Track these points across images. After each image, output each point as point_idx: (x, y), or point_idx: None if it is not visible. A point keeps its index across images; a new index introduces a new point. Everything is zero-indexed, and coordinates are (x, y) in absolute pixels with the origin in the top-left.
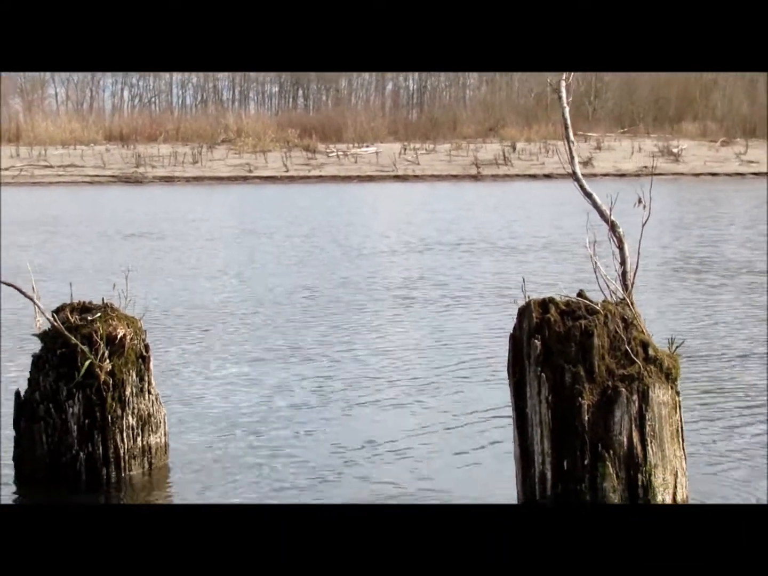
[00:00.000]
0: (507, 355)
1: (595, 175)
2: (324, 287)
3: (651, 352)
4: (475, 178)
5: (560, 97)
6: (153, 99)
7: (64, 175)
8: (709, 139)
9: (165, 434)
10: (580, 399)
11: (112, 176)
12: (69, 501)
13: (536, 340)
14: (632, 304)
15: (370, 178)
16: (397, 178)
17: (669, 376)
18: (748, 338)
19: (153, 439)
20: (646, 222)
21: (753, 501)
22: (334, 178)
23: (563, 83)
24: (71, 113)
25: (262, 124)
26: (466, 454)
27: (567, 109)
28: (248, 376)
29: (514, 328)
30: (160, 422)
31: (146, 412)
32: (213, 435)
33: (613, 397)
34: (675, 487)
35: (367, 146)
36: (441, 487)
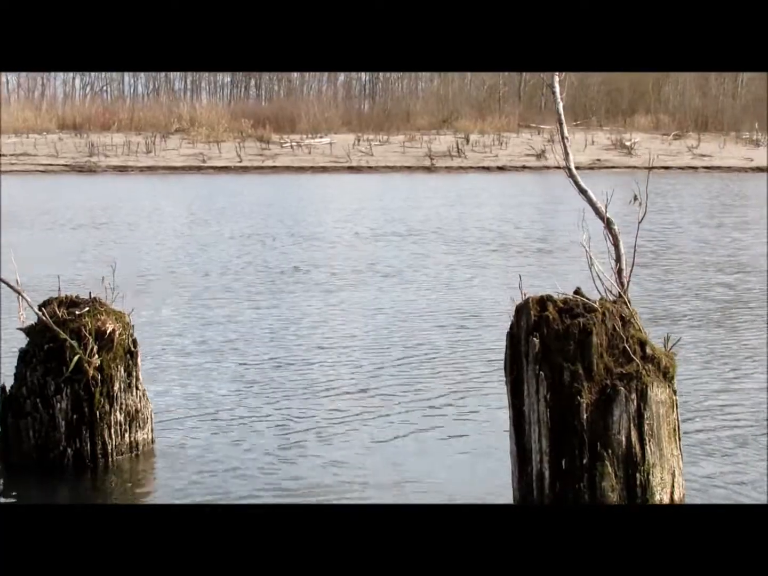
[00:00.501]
0: (504, 352)
1: (548, 167)
2: (265, 275)
3: (648, 350)
4: (429, 169)
5: (554, 92)
6: (105, 87)
7: (17, 164)
8: (661, 133)
9: (152, 430)
10: (578, 398)
11: (65, 165)
12: (70, 501)
13: (534, 338)
14: (629, 302)
15: (323, 169)
16: (351, 169)
17: (666, 375)
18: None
19: (140, 435)
20: (642, 219)
21: None
22: (288, 169)
23: (556, 78)
24: (23, 101)
25: (215, 114)
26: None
27: (561, 105)
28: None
29: (512, 325)
30: (147, 418)
31: (134, 408)
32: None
33: (612, 396)
34: (672, 486)
35: (321, 137)
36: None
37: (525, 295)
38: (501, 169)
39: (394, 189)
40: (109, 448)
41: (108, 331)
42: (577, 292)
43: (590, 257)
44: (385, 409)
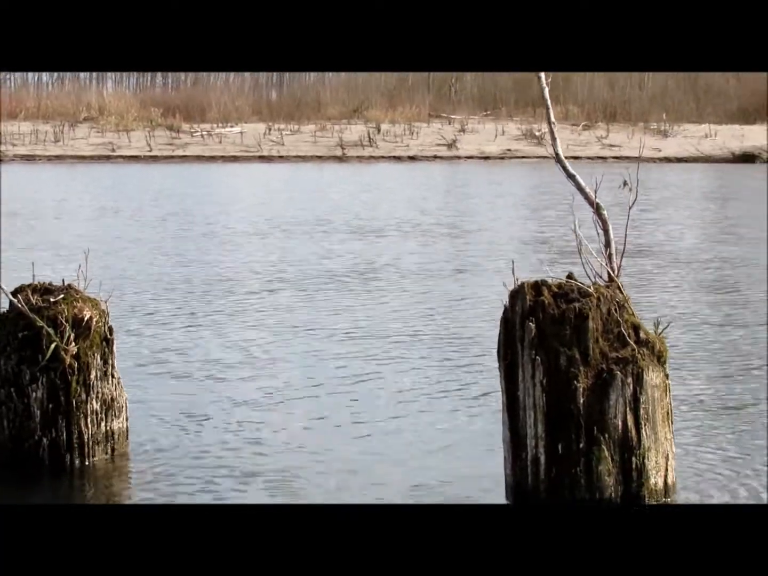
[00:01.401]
0: (498, 337)
1: (459, 157)
2: (177, 266)
3: (642, 334)
4: (340, 159)
5: (539, 78)
6: (8, 75)
7: None
8: (570, 123)
9: (126, 419)
10: (575, 382)
11: None
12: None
13: (531, 323)
14: (621, 286)
15: (234, 159)
16: (262, 158)
17: (660, 359)
18: None
19: (116, 424)
20: (632, 205)
21: None
22: (199, 158)
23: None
24: None
25: (124, 102)
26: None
27: (547, 90)
28: None
29: (506, 310)
30: (123, 406)
31: (110, 396)
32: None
33: (608, 381)
34: (666, 469)
35: (232, 126)
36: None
37: (517, 280)
38: (412, 158)
39: (304, 178)
40: (86, 437)
41: (85, 319)
42: (570, 276)
43: (580, 243)
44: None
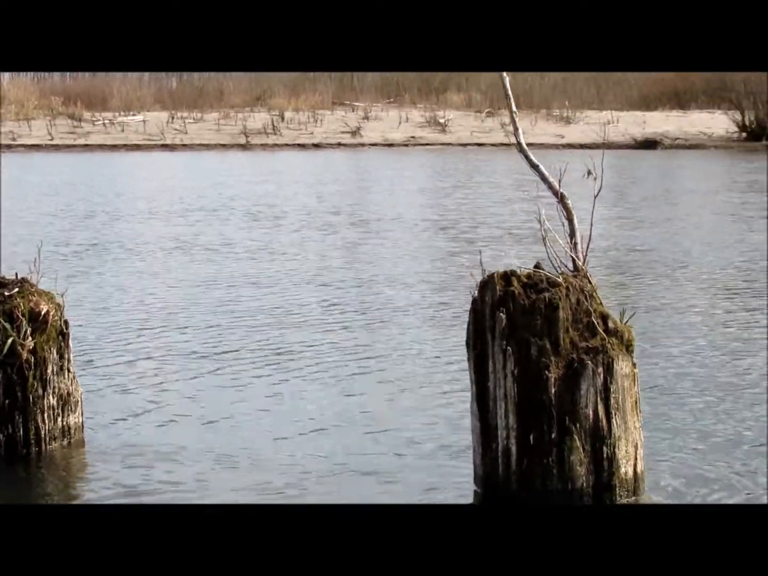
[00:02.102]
0: (466, 328)
1: (363, 144)
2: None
3: (611, 324)
4: (244, 147)
5: (503, 78)
6: None
7: None
8: (474, 110)
9: (82, 413)
10: (546, 372)
11: None
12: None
13: (501, 314)
14: (590, 276)
15: (137, 147)
16: (165, 147)
17: (629, 348)
18: None
19: (72, 419)
20: (597, 194)
21: None
22: (101, 147)
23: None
24: None
25: (24, 91)
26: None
27: (507, 79)
28: None
29: (475, 300)
30: (78, 401)
31: (66, 391)
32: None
33: (579, 370)
34: (635, 459)
35: (134, 115)
36: None
37: (485, 271)
38: (316, 146)
39: (207, 166)
40: (42, 433)
41: (42, 313)
42: (538, 266)
43: (545, 232)
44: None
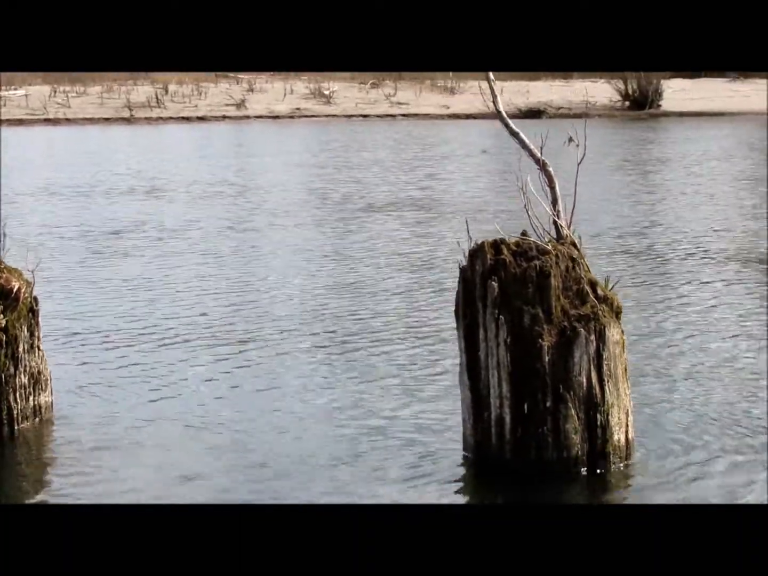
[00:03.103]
0: (455, 297)
1: (248, 117)
2: None
3: (600, 291)
4: (128, 121)
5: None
6: None
7: None
8: (359, 81)
9: (51, 392)
10: (540, 341)
11: None
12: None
13: (493, 282)
14: (576, 243)
15: (20, 122)
16: (48, 121)
17: (618, 315)
18: None
19: (42, 398)
20: (581, 161)
21: None
22: None
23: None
24: None
25: None
26: None
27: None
28: None
29: (464, 269)
30: (48, 379)
31: (36, 370)
32: None
33: (572, 338)
34: (627, 425)
35: (15, 89)
36: None
37: (473, 240)
38: (201, 119)
39: (89, 141)
40: (15, 412)
41: (14, 290)
42: (524, 234)
43: (527, 200)
44: None
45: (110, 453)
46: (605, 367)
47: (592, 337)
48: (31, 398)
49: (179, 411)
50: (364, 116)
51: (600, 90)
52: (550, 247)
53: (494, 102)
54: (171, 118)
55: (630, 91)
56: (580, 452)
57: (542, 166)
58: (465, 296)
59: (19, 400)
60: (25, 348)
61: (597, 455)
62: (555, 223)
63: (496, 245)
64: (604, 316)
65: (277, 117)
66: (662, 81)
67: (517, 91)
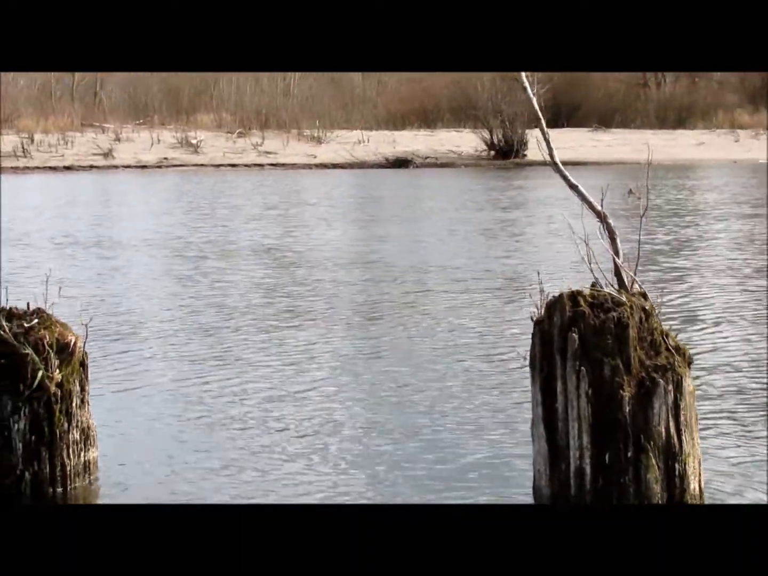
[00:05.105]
0: (531, 350)
1: (116, 166)
2: None
3: (671, 342)
4: None
5: (525, 89)
6: None
7: None
8: (225, 131)
9: (97, 447)
10: (621, 391)
11: None
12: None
13: (574, 334)
14: (647, 294)
15: None
16: None
17: (690, 365)
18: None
19: (91, 454)
20: (644, 213)
21: None
22: None
23: (524, 76)
24: None
25: None
26: None
27: (535, 100)
28: None
29: (540, 321)
30: (95, 435)
31: (86, 425)
32: None
33: (651, 389)
34: (699, 474)
35: None
36: None
37: (543, 291)
38: (68, 168)
39: None
40: (68, 469)
41: (70, 344)
42: (594, 286)
43: (589, 253)
44: None
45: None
46: (682, 417)
47: (670, 387)
48: (82, 454)
49: None
50: (233, 165)
51: (465, 140)
52: (624, 299)
53: (550, 154)
54: (37, 167)
55: (495, 141)
56: (660, 502)
57: (603, 219)
58: (542, 348)
59: (72, 456)
60: (77, 403)
61: None
62: (617, 274)
63: (573, 297)
64: (679, 366)
65: (144, 166)
66: (527, 131)
67: (384, 141)
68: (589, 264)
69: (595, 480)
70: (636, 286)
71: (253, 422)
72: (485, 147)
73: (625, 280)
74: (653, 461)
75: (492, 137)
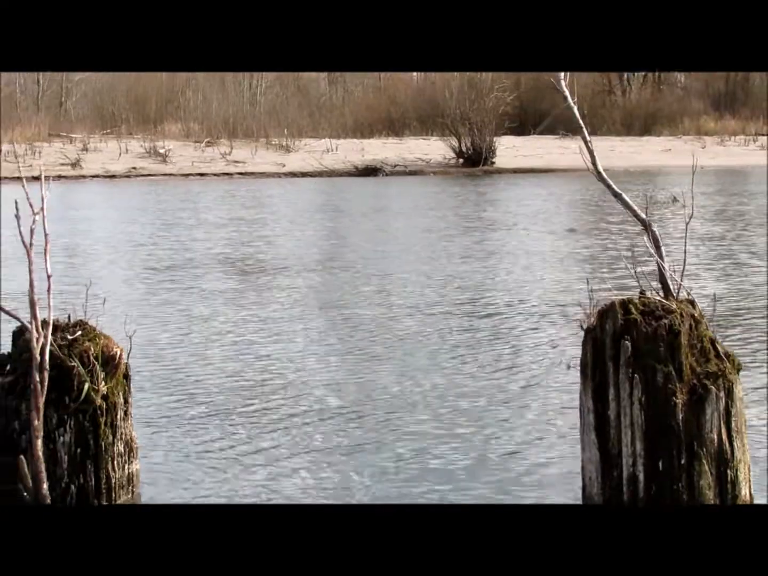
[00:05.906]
0: (582, 357)
1: (84, 176)
2: None
3: (720, 348)
4: None
5: (565, 98)
6: None
7: None
8: (193, 140)
9: (139, 460)
10: (674, 398)
11: None
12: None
13: (626, 341)
14: (695, 302)
15: None
16: None
17: (739, 372)
18: None
19: (134, 466)
20: (689, 220)
21: None
22: None
23: (563, 80)
24: None
25: None
26: None
27: (576, 108)
28: None
29: (592, 329)
30: (137, 447)
31: (129, 437)
32: None
33: (703, 396)
34: (749, 481)
35: None
36: None
37: (592, 299)
38: (37, 179)
39: None
40: (113, 481)
41: (116, 356)
42: (643, 293)
43: (633, 261)
44: None
45: None
46: (734, 424)
47: (722, 394)
48: (125, 467)
49: None
50: (201, 175)
51: (434, 147)
52: (674, 306)
53: (593, 163)
54: (6, 177)
55: (464, 149)
56: None
57: (647, 227)
58: (594, 356)
59: (116, 469)
60: (121, 415)
61: None
62: (663, 282)
63: (625, 305)
64: (730, 373)
65: (113, 176)
66: (494, 138)
67: (352, 149)
68: (634, 272)
69: (648, 487)
70: (683, 293)
71: None
72: (453, 155)
73: (671, 287)
74: (706, 467)
75: (460, 145)
